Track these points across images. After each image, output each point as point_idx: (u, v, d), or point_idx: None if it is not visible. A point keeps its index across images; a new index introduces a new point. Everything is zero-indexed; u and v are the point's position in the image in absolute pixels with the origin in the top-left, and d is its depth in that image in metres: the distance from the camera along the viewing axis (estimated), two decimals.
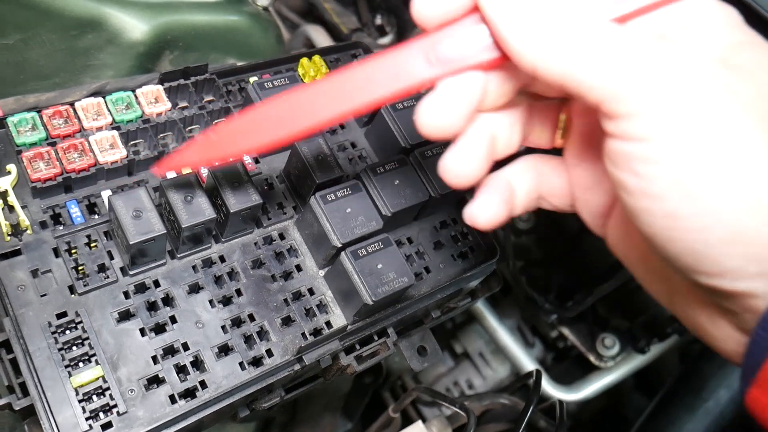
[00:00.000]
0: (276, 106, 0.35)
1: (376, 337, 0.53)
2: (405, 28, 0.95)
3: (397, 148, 0.56)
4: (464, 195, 0.59)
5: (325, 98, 0.34)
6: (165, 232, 0.44)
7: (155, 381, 0.44)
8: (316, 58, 0.61)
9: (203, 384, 0.45)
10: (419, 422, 0.66)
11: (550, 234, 0.85)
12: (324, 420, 0.75)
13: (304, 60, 0.60)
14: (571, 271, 0.81)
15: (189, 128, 0.53)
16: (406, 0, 0.96)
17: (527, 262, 0.88)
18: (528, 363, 0.86)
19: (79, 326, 0.44)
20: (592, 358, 0.84)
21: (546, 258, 0.86)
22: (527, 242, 0.89)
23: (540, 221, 0.87)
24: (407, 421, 0.69)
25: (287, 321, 0.49)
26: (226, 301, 0.48)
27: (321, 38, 1.02)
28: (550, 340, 0.94)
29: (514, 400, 0.70)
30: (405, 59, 0.33)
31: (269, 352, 0.47)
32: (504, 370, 0.99)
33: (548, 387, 0.86)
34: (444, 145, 0.56)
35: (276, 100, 0.35)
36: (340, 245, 0.49)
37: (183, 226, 0.45)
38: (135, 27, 0.63)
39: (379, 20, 1.00)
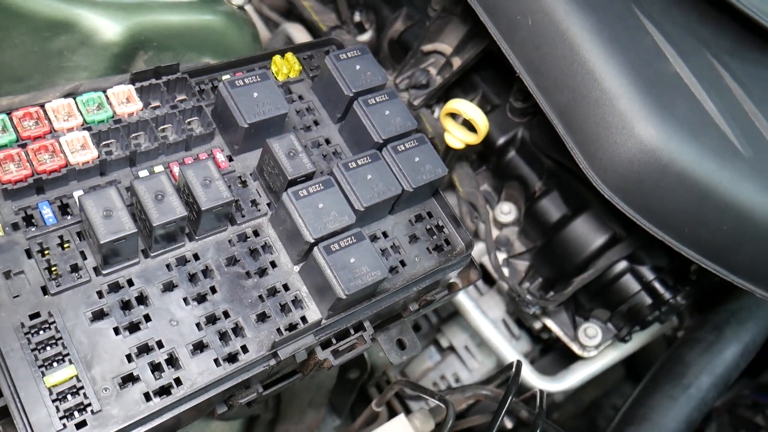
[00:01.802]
0: None
1: (352, 331, 0.54)
2: (383, 25, 0.96)
3: (371, 143, 0.56)
4: (438, 187, 0.59)
5: None
6: (136, 231, 0.44)
7: (130, 379, 0.44)
8: (289, 55, 0.61)
9: (178, 381, 0.45)
10: (401, 415, 0.66)
11: (531, 226, 0.85)
12: (308, 416, 0.75)
13: (277, 57, 0.61)
14: (552, 262, 0.81)
15: (161, 127, 0.53)
16: None
17: (510, 254, 0.89)
18: (512, 355, 0.87)
19: (52, 326, 0.44)
20: (575, 348, 0.85)
21: (528, 250, 0.87)
22: (509, 235, 0.90)
23: (521, 213, 0.87)
24: (393, 415, 0.69)
25: (262, 317, 0.49)
26: (201, 299, 0.48)
27: (301, 36, 1.02)
28: (535, 332, 0.94)
29: (497, 391, 0.70)
30: None
31: (244, 348, 0.48)
32: (490, 363, 1.00)
33: (533, 378, 0.87)
34: (416, 138, 0.57)
35: None
36: (313, 240, 0.49)
37: (154, 225, 0.45)
38: (108, 28, 0.62)
39: (357, 17, 1.01)
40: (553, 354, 1.04)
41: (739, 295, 0.86)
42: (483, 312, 0.90)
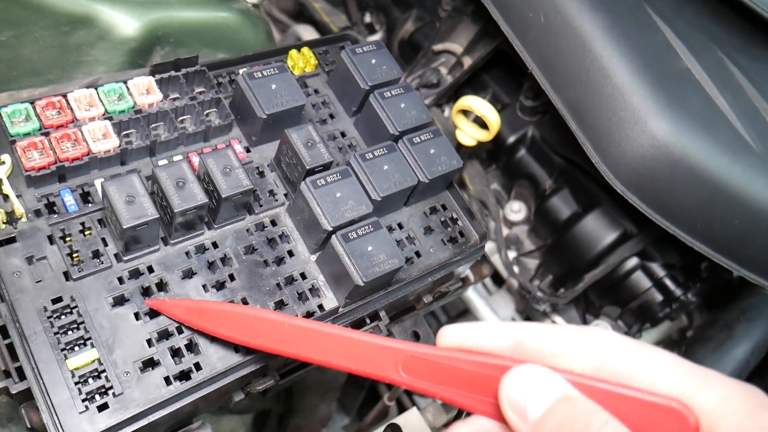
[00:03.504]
0: (262, 322, 0.41)
1: (368, 321, 0.54)
2: (393, 26, 0.97)
3: (386, 135, 0.57)
4: (453, 180, 0.59)
5: (300, 339, 0.40)
6: (158, 216, 0.45)
7: (150, 363, 0.45)
8: (305, 50, 0.62)
9: (198, 366, 0.46)
10: (414, 408, 0.66)
11: (542, 223, 0.86)
12: (320, 410, 0.75)
13: (293, 52, 0.61)
14: (562, 259, 0.82)
15: (180, 118, 0.54)
16: None
17: (520, 252, 0.89)
18: None
19: (74, 311, 0.44)
20: None
21: (538, 248, 0.87)
22: (519, 233, 0.90)
23: (531, 212, 0.88)
24: (403, 410, 0.69)
25: (280, 304, 0.50)
26: (220, 286, 0.49)
27: (311, 37, 1.03)
28: None
29: None
30: (384, 356, 0.36)
31: None
32: None
33: None
34: (431, 131, 0.57)
35: (265, 317, 0.41)
36: (330, 229, 0.50)
37: (176, 211, 0.45)
38: (126, 23, 0.63)
39: (368, 18, 1.02)
40: None
41: (750, 294, 0.86)
42: (493, 310, 0.91)
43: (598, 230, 0.78)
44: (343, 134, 0.60)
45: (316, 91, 0.62)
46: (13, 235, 0.45)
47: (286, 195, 0.54)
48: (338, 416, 0.99)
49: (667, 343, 1.06)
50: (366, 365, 0.37)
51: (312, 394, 0.76)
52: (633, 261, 0.78)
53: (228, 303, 0.47)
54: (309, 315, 0.50)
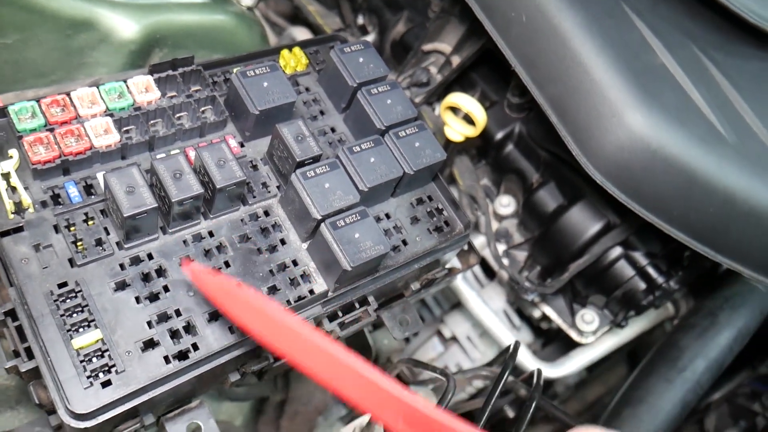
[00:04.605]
0: (285, 326, 0.41)
1: (357, 305, 0.57)
2: (385, 27, 1.00)
3: (374, 130, 0.60)
4: (438, 172, 0.62)
5: (318, 359, 0.40)
6: (156, 205, 0.48)
7: (151, 344, 0.48)
8: (297, 50, 0.65)
9: (195, 346, 0.48)
10: None
11: (529, 216, 0.88)
12: (316, 397, 0.78)
13: (285, 52, 0.64)
14: (549, 250, 0.84)
15: (177, 115, 0.57)
16: (387, 1, 1.00)
17: (510, 245, 0.92)
18: (512, 340, 0.90)
19: (78, 295, 0.47)
20: (573, 335, 0.87)
21: (526, 240, 0.90)
22: (509, 227, 0.93)
23: (520, 206, 0.91)
24: None
25: (273, 289, 0.53)
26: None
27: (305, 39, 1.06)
28: (535, 322, 0.97)
29: (495, 371, 0.73)
30: (387, 405, 0.37)
31: None
32: (491, 353, 1.03)
33: (532, 364, 0.89)
34: (416, 125, 0.60)
35: (288, 322, 0.41)
36: (319, 217, 0.52)
37: (173, 200, 0.48)
38: (126, 26, 0.67)
39: (361, 20, 1.05)
40: (554, 345, 1.07)
41: (732, 283, 0.89)
42: (484, 302, 0.93)
43: (582, 221, 0.81)
44: (333, 129, 0.63)
45: (307, 89, 0.65)
46: (20, 225, 0.48)
47: (278, 187, 0.57)
48: (335, 408, 1.01)
49: (660, 334, 1.08)
50: (368, 401, 0.38)
51: (308, 381, 0.79)
52: (616, 251, 0.81)
53: (261, 295, 0.46)
54: (300, 299, 0.53)
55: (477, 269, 1.01)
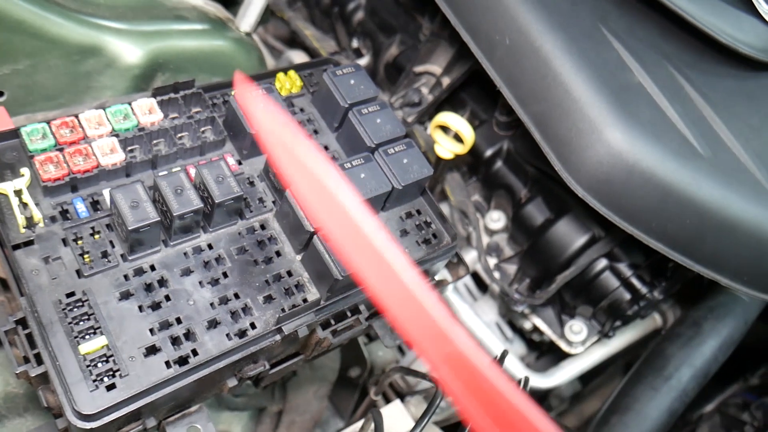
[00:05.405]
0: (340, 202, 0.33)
1: (349, 314, 0.60)
2: (379, 50, 1.04)
3: (364, 147, 0.63)
4: (425, 187, 0.66)
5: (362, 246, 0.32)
6: (159, 219, 0.51)
7: (153, 349, 0.51)
8: (292, 72, 0.69)
9: (195, 352, 0.51)
10: (397, 401, 0.72)
11: (518, 230, 0.91)
12: (313, 406, 0.81)
13: (280, 75, 0.68)
14: (537, 263, 0.87)
15: (179, 135, 0.60)
16: (380, 25, 1.04)
17: (500, 258, 0.95)
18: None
19: (85, 304, 0.50)
20: (562, 345, 0.90)
21: (516, 254, 0.93)
22: (499, 241, 0.96)
23: (510, 220, 0.94)
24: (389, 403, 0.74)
25: (268, 298, 0.56)
26: (214, 282, 0.55)
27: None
28: (527, 334, 1.00)
29: None
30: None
31: (252, 325, 0.54)
32: None
33: (522, 374, 0.92)
34: (404, 143, 0.63)
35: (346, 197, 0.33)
36: (312, 230, 0.56)
37: (174, 215, 0.52)
38: (131, 52, 0.70)
39: (355, 43, 1.09)
40: (546, 358, 1.09)
41: (717, 293, 0.91)
42: (476, 314, 0.96)
43: (568, 234, 0.84)
44: (326, 147, 0.67)
45: (301, 110, 0.68)
46: (31, 239, 0.52)
47: (273, 202, 0.61)
48: (333, 420, 1.04)
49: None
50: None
51: (305, 391, 0.81)
52: (602, 262, 0.84)
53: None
54: (294, 307, 0.56)
55: (470, 283, 1.04)
